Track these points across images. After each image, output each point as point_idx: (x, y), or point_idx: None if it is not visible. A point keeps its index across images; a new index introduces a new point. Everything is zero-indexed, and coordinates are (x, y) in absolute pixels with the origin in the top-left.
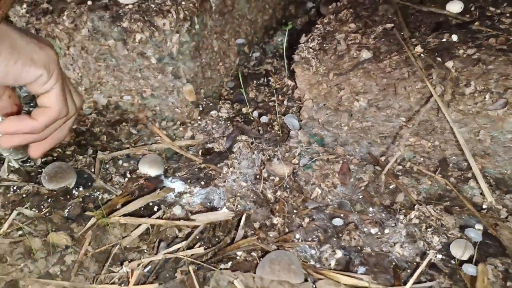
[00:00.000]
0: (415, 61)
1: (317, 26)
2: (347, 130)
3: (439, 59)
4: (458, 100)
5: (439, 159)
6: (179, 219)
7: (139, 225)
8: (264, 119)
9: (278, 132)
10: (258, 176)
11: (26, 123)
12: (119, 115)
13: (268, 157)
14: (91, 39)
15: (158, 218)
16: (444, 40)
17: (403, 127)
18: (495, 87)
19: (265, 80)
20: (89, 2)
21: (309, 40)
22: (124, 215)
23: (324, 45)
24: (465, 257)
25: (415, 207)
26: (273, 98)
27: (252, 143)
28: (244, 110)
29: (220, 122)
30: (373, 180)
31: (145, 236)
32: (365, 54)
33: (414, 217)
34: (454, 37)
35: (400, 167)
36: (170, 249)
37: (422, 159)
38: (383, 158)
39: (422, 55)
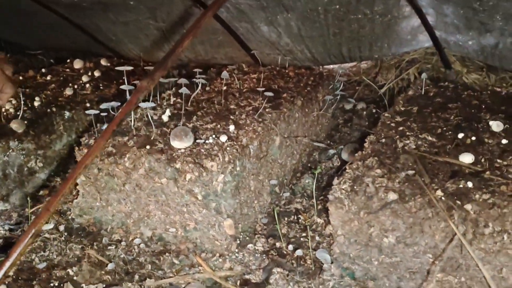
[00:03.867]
0: (437, 203)
1: (347, 170)
2: (377, 265)
3: (458, 202)
4: (479, 239)
5: None
6: None
7: None
8: (298, 252)
9: (311, 266)
10: None
11: None
12: (162, 246)
13: None
14: (146, 177)
15: None
16: (461, 186)
17: (430, 263)
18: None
19: (296, 217)
20: (148, 147)
21: (341, 182)
22: None
23: (355, 187)
24: None
25: None
26: (303, 234)
27: (287, 275)
28: (278, 244)
29: (256, 255)
30: None
31: None
32: (392, 196)
33: None
34: (470, 184)
35: None
36: None
37: None
38: None
39: (442, 198)
